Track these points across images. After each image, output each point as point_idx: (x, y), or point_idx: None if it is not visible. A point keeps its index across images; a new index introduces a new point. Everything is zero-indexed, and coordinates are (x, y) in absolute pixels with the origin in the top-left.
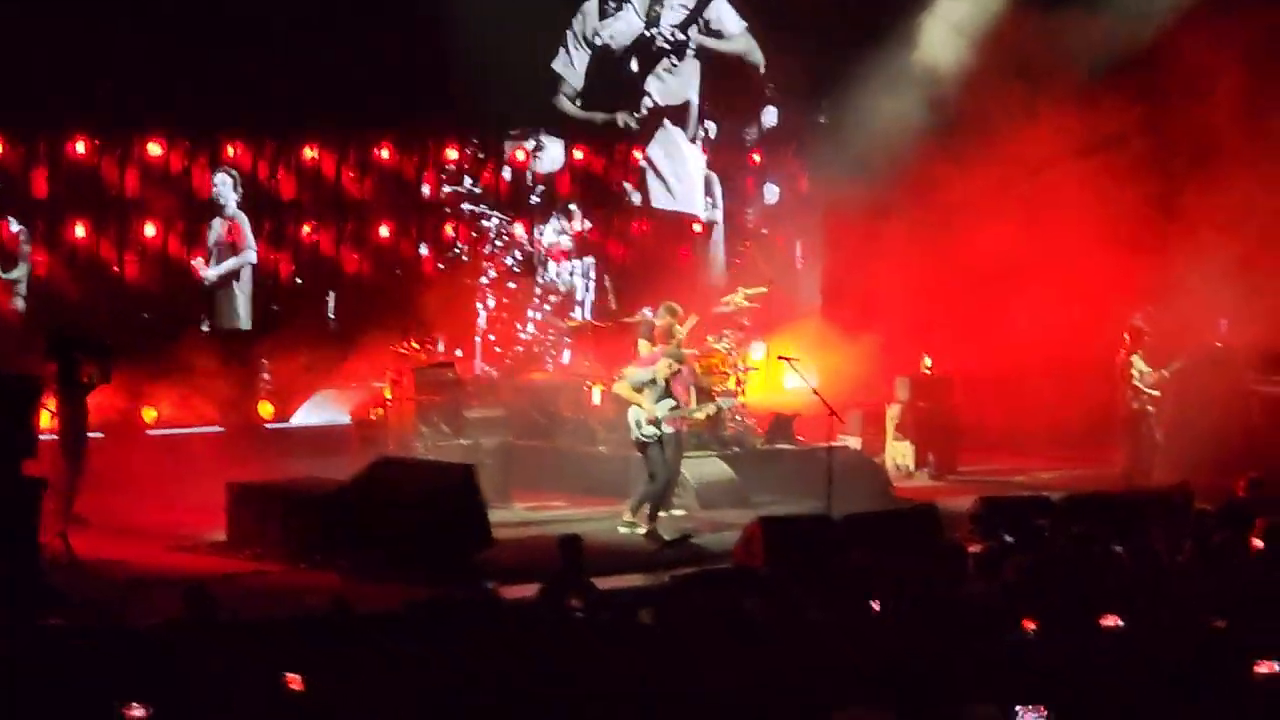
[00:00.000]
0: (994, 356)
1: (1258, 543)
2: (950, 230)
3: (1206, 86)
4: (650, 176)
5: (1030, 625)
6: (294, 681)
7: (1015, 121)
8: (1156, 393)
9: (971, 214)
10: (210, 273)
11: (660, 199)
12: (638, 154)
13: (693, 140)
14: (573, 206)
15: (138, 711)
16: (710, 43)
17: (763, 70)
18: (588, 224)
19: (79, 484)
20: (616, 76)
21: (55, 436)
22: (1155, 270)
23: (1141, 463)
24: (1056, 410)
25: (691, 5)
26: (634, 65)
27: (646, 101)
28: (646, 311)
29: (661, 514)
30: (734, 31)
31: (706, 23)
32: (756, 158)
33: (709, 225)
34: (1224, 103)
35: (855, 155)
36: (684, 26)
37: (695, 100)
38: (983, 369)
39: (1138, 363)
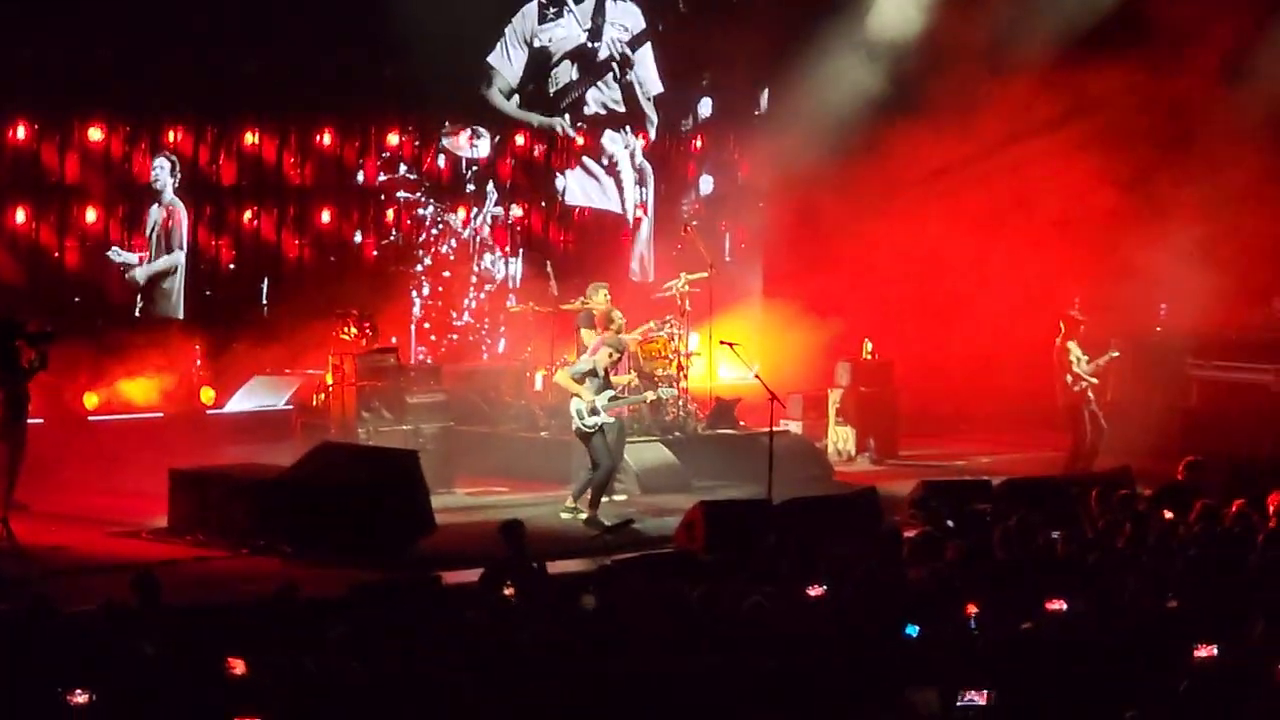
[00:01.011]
0: (936, 341)
1: (1167, 514)
2: (892, 214)
3: (1172, 65)
4: (582, 175)
5: (972, 609)
6: (236, 666)
7: (965, 101)
8: (1094, 380)
9: (913, 198)
10: (140, 273)
11: (594, 198)
12: (579, 138)
13: (626, 147)
14: (491, 190)
15: (80, 697)
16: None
17: (652, 136)
18: (516, 211)
19: (20, 470)
20: (549, 82)
21: None
22: (1098, 255)
23: (1086, 447)
24: (998, 395)
25: (631, 28)
26: (574, 73)
27: (587, 109)
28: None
29: (604, 499)
30: (648, 94)
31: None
32: (698, 143)
33: (638, 220)
34: (1187, 84)
35: (798, 139)
36: (631, 45)
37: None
38: (924, 354)
39: (1074, 349)
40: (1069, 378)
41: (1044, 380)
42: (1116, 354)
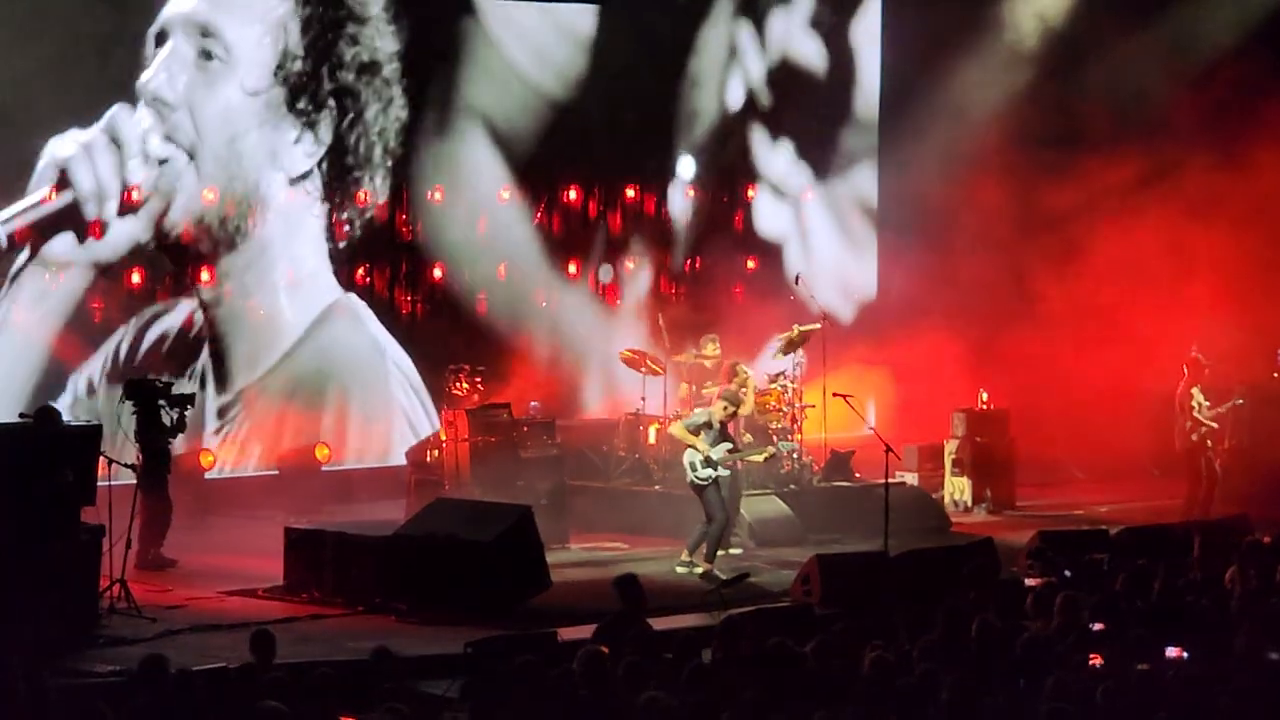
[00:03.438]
0: (1051, 389)
1: None
2: (1006, 259)
3: None
4: None
5: (1095, 660)
6: None
7: (1090, 139)
8: (1215, 425)
9: (1028, 243)
10: None
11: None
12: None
13: None
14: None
15: None
16: None
17: None
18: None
19: (166, 528)
20: None
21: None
22: (1218, 300)
23: (1201, 495)
24: (1115, 443)
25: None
26: None
27: None
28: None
29: (719, 552)
30: None
31: None
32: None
33: None
34: None
35: (905, 194)
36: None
37: None
38: (1039, 403)
39: (1197, 395)
40: (1189, 423)
41: (1161, 428)
42: (1240, 402)
